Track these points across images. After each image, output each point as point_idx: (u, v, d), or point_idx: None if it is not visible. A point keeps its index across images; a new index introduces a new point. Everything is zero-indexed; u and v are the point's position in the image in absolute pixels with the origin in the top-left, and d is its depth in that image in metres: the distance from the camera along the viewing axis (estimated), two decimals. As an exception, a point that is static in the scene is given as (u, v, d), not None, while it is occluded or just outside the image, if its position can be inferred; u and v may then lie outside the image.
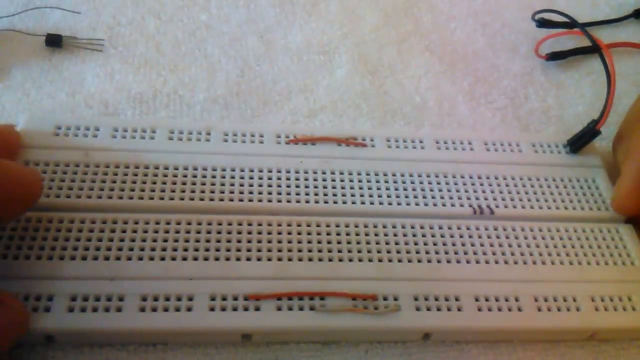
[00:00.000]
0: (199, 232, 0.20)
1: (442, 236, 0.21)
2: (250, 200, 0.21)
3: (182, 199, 0.21)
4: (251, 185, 0.22)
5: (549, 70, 0.30)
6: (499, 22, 0.32)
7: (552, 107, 0.28)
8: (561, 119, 0.25)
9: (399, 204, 0.22)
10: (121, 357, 0.19)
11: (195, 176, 0.22)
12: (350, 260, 0.20)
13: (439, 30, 0.31)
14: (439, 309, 0.19)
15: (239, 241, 0.20)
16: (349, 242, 0.21)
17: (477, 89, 0.29)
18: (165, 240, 0.20)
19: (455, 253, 0.21)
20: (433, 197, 0.22)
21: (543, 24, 0.30)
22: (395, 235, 0.21)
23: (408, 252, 0.21)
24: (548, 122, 0.28)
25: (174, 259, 0.19)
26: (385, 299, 0.19)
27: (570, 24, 0.26)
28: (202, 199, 0.21)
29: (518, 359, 0.20)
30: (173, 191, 0.21)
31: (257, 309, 0.18)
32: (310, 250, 0.20)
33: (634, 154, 0.22)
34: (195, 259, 0.19)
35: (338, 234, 0.21)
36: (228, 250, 0.20)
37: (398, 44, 0.30)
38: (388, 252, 0.20)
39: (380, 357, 0.19)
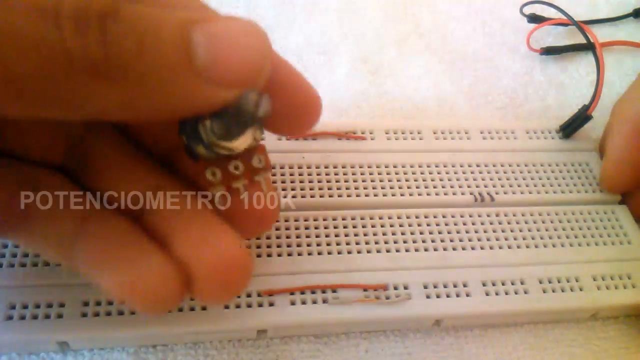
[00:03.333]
0: (207, 231, 0.20)
1: (446, 224, 0.22)
2: (256, 198, 0.21)
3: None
4: (255, 183, 0.22)
5: (548, 70, 0.30)
6: (499, 22, 0.32)
7: (551, 107, 0.29)
8: (561, 119, 0.25)
9: (402, 195, 0.22)
10: (121, 359, 0.19)
11: (199, 176, 0.21)
12: (359, 252, 0.20)
13: (439, 30, 0.31)
14: (448, 296, 0.20)
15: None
16: (356, 235, 0.21)
17: (477, 88, 0.29)
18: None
19: (461, 240, 0.21)
20: (434, 187, 0.23)
21: (534, 19, 0.31)
22: (401, 225, 0.21)
23: (415, 242, 0.21)
24: (548, 122, 0.28)
25: (184, 259, 0.19)
26: (395, 288, 0.20)
27: (562, 17, 0.27)
28: (207, 198, 0.21)
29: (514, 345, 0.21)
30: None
31: (271, 304, 0.19)
32: (319, 244, 0.20)
33: (614, 132, 0.23)
34: (206, 258, 0.19)
35: (345, 227, 0.21)
36: (238, 247, 0.20)
37: (398, 43, 0.30)
38: (395, 242, 0.21)
39: (381, 357, 0.20)
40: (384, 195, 0.22)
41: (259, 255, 0.20)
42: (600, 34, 0.30)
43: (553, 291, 0.20)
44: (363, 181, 0.22)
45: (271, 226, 0.17)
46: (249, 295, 0.19)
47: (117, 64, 0.11)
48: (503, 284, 0.20)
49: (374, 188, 0.22)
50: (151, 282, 0.13)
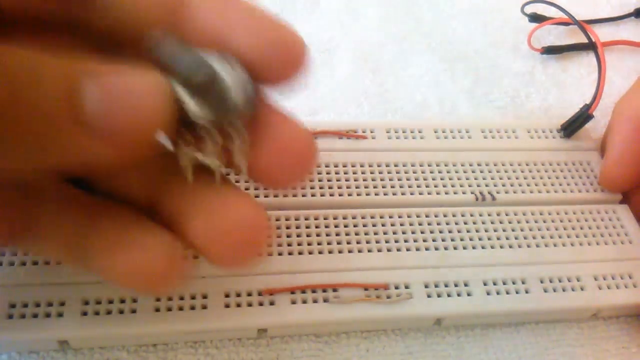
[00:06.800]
0: (207, 230, 0.20)
1: (447, 224, 0.22)
2: (257, 196, 0.21)
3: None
4: (256, 181, 0.22)
5: (549, 69, 0.30)
6: (500, 21, 0.32)
7: (552, 106, 0.29)
8: (562, 119, 0.25)
9: (402, 194, 0.22)
10: (121, 357, 0.19)
11: (199, 174, 0.21)
12: (360, 251, 0.20)
13: (440, 29, 0.31)
14: (449, 295, 0.20)
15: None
16: (357, 234, 0.21)
17: (478, 87, 0.29)
18: (175, 240, 0.20)
19: (461, 240, 0.21)
20: (435, 186, 0.23)
21: (535, 18, 0.31)
22: (402, 224, 0.21)
23: (416, 241, 0.21)
24: (549, 121, 0.28)
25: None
26: (396, 287, 0.20)
27: (564, 16, 0.27)
28: (208, 197, 0.21)
29: (515, 345, 0.20)
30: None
31: (272, 303, 0.19)
32: (320, 244, 0.20)
33: (614, 131, 0.23)
34: (207, 257, 0.19)
35: (346, 226, 0.21)
36: (238, 246, 0.20)
37: (399, 42, 0.30)
38: (396, 241, 0.21)
39: (382, 356, 0.20)
40: (385, 194, 0.22)
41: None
42: (602, 33, 0.30)
43: (554, 291, 0.20)
44: (364, 180, 0.22)
45: (308, 169, 0.15)
46: (249, 295, 0.19)
47: None
48: (504, 284, 0.20)
49: (374, 187, 0.22)
50: (147, 258, 0.13)
